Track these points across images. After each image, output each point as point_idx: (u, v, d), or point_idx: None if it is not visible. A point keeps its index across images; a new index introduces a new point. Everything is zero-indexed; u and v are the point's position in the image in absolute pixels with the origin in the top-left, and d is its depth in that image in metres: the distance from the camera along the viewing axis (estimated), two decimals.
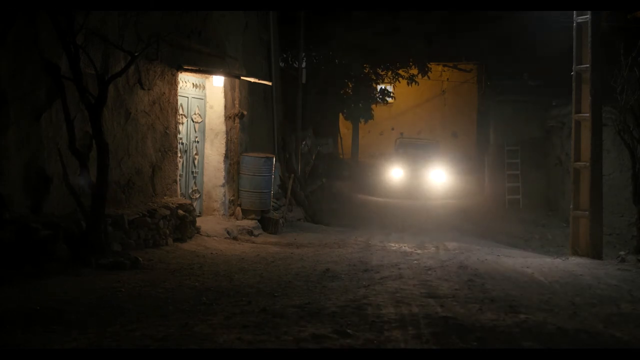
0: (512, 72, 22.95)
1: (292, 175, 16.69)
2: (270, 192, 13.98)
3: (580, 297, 7.29)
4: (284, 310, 6.04)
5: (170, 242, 10.15)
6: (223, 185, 12.94)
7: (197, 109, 12.61)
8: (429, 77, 24.15)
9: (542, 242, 15.66)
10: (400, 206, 21.08)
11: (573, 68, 11.87)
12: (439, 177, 23.87)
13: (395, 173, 23.74)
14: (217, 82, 12.61)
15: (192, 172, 12.51)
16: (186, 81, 12.11)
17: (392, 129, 29.67)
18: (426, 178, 23.75)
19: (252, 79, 13.50)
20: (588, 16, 11.49)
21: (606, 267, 10.08)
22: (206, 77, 12.60)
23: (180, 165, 11.72)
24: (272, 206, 14.51)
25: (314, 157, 19.96)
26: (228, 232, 11.85)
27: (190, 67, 11.67)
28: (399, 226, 16.73)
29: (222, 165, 12.95)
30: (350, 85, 23.28)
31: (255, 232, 12.67)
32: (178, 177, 11.56)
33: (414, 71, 23.56)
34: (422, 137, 28.10)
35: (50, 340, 4.99)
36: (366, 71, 23.35)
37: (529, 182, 22.15)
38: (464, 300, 6.76)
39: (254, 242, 11.85)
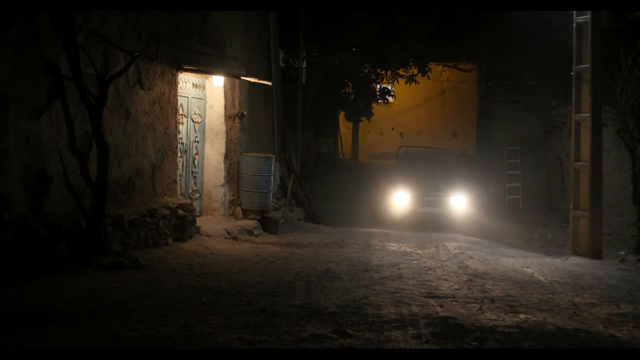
0: (512, 72, 22.95)
1: (292, 175, 16.69)
2: (270, 192, 13.98)
3: (580, 297, 7.30)
4: (284, 310, 6.04)
5: (170, 242, 10.15)
6: (223, 185, 12.94)
7: (197, 109, 12.62)
8: (428, 77, 24.13)
9: (542, 242, 15.67)
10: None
11: (573, 68, 11.88)
12: (460, 204, 16.95)
13: (399, 198, 16.91)
14: (217, 82, 12.61)
15: (192, 172, 12.51)
16: (186, 81, 12.12)
17: (392, 129, 29.64)
18: (444, 205, 16.86)
19: (252, 79, 13.50)
20: (588, 16, 11.51)
21: (606, 267, 10.09)
22: (206, 77, 12.61)
23: (180, 165, 11.72)
24: (272, 206, 14.52)
25: (313, 158, 19.91)
26: (228, 232, 11.85)
27: (190, 67, 11.68)
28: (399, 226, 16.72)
29: (222, 165, 12.95)
30: (351, 85, 23.27)
31: (255, 232, 12.67)
32: (178, 177, 11.56)
33: (414, 71, 23.55)
34: (432, 147, 22.10)
35: (50, 340, 4.99)
36: (366, 71, 23.34)
37: (529, 182, 22.16)
38: (464, 300, 6.77)
39: (254, 242, 11.85)
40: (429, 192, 16.92)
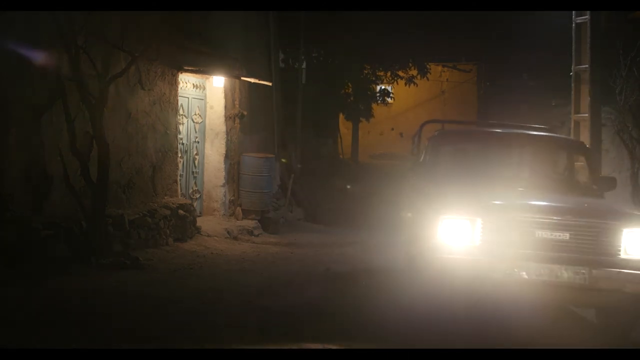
0: (512, 72, 22.93)
1: (292, 175, 16.69)
2: (271, 192, 13.98)
3: None
4: (284, 310, 6.06)
5: (170, 242, 10.16)
6: (223, 185, 12.95)
7: (197, 109, 12.63)
8: (427, 79, 24.13)
9: None
10: None
11: (572, 68, 11.87)
12: None
13: (454, 236, 5.63)
14: (217, 83, 12.62)
15: (193, 172, 12.52)
16: (186, 81, 12.13)
17: (392, 129, 29.64)
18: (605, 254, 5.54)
19: (252, 79, 13.50)
20: (587, 16, 11.50)
21: None
22: (206, 78, 12.61)
23: (180, 165, 11.73)
24: (272, 206, 14.52)
25: (313, 158, 19.90)
26: (228, 232, 11.86)
27: (190, 68, 11.68)
28: None
29: (222, 166, 12.96)
30: (350, 86, 23.28)
31: (256, 232, 12.68)
32: (178, 177, 11.57)
33: (413, 72, 23.55)
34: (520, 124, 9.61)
35: (50, 340, 5.01)
36: (366, 72, 23.34)
37: None
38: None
39: (254, 242, 11.86)
40: (552, 219, 5.79)
